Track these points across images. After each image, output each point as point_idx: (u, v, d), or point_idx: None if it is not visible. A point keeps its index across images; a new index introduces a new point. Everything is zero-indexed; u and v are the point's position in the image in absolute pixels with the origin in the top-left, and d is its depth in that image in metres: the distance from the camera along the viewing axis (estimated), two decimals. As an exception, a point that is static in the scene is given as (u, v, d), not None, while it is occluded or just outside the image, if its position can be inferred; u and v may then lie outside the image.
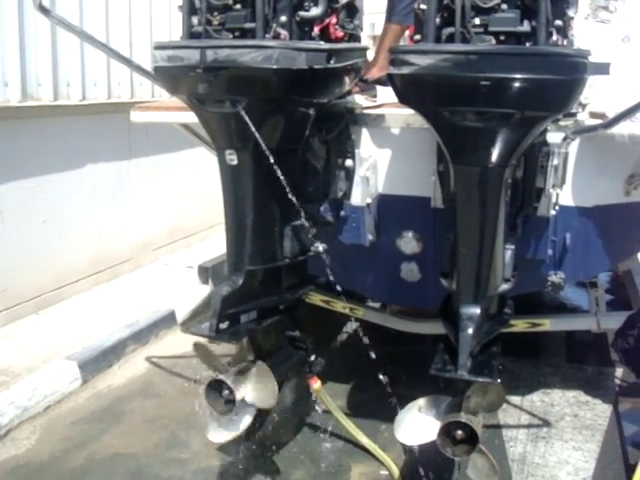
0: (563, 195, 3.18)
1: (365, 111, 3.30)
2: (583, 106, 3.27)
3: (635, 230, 3.63)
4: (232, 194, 2.85)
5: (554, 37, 2.32)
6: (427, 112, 2.53)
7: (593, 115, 3.14)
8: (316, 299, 4.22)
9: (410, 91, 2.48)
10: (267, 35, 2.56)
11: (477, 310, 2.63)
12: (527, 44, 2.34)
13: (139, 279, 5.74)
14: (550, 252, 3.23)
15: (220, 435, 3.00)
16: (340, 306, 4.25)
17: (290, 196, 2.86)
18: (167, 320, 4.99)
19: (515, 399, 4.02)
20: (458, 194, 2.61)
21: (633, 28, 4.47)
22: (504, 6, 2.32)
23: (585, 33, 4.39)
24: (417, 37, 2.47)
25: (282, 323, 3.10)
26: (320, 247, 3.14)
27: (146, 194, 5.96)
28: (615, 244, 3.52)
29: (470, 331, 2.58)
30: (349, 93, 3.27)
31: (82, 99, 5.17)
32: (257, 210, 2.81)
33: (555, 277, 3.33)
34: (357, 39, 3.01)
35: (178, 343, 4.73)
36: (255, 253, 2.85)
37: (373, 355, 2.84)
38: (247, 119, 2.54)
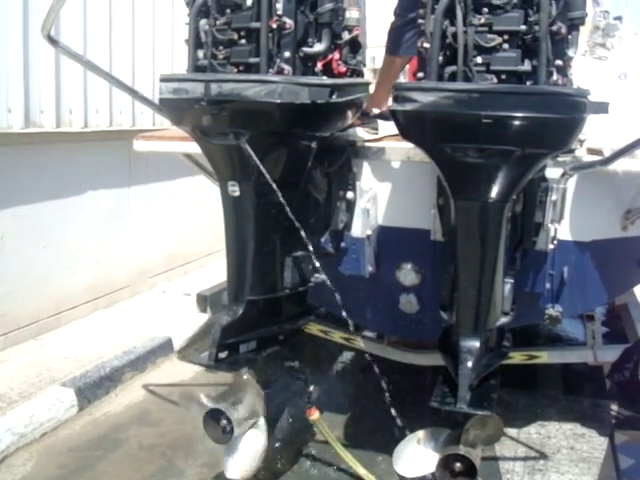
0: (561, 230, 3.22)
1: (366, 144, 3.35)
2: (581, 142, 3.33)
3: (632, 264, 3.67)
4: (234, 225, 2.89)
5: (554, 76, 2.37)
6: (429, 148, 2.58)
7: (591, 151, 3.18)
8: (314, 329, 4.24)
9: (412, 127, 2.53)
10: (271, 70, 2.62)
11: (476, 343, 2.65)
12: (528, 83, 2.39)
13: (137, 306, 5.74)
14: (548, 286, 3.26)
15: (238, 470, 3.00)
16: (338, 336, 4.27)
17: (294, 227, 2.92)
18: (164, 348, 4.98)
19: (512, 431, 4.02)
20: (459, 228, 2.65)
21: (630, 65, 4.57)
22: (505, 46, 2.38)
23: (583, 70, 4.47)
24: (420, 75, 2.53)
25: (281, 353, 3.12)
26: (321, 278, 3.19)
27: (145, 221, 5.99)
28: (612, 278, 3.56)
29: (469, 364, 2.61)
30: (351, 126, 3.32)
31: (84, 126, 5.21)
32: (258, 241, 2.85)
33: (553, 310, 3.35)
34: (360, 74, 3.06)
35: (175, 371, 4.73)
36: (256, 283, 2.89)
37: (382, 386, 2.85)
38: (250, 152, 2.59)
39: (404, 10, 3.60)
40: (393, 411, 2.86)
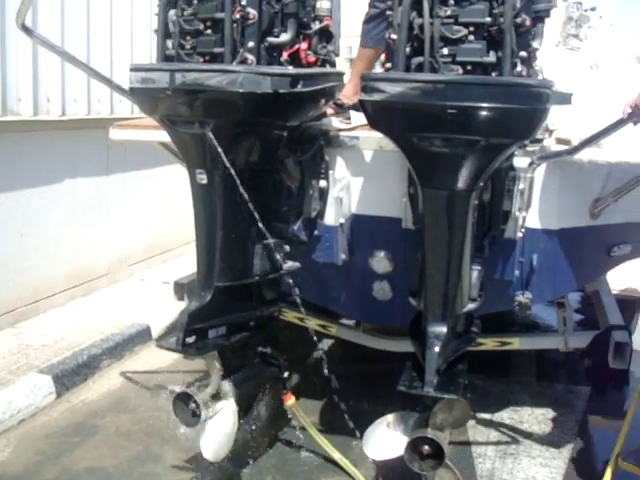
0: (530, 218, 3.27)
1: (340, 134, 3.39)
2: (550, 132, 3.39)
3: (601, 252, 3.74)
4: (202, 212, 2.94)
5: (518, 68, 2.42)
6: (396, 137, 2.63)
7: (559, 141, 3.24)
8: (290, 316, 4.28)
9: (380, 117, 2.58)
10: (235, 60, 2.64)
11: (444, 329, 2.71)
12: (493, 74, 2.44)
13: (115, 294, 5.76)
14: (517, 273, 3.32)
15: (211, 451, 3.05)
16: (314, 323, 4.31)
17: (264, 215, 2.96)
18: (142, 335, 5.02)
19: (485, 416, 4.10)
20: (426, 216, 2.71)
21: (602, 55, 4.63)
22: (471, 37, 2.42)
23: (555, 60, 4.53)
24: (388, 65, 2.57)
25: (253, 339, 3.16)
26: (292, 265, 3.24)
27: (123, 210, 6.01)
28: (581, 266, 3.62)
29: (437, 349, 2.66)
30: (324, 115, 3.36)
31: (62, 114, 5.22)
32: (226, 228, 2.89)
33: (522, 297, 3.42)
34: (331, 64, 3.09)
35: (153, 358, 4.77)
36: (224, 270, 2.93)
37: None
38: (214, 140, 2.64)
39: (378, 1, 3.64)
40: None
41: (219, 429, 3.00)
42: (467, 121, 2.36)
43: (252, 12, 2.64)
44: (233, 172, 2.68)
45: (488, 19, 2.40)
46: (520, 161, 3.00)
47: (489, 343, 4.10)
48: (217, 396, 3.00)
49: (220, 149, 2.64)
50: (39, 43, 3.36)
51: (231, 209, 2.83)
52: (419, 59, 2.46)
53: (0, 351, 4.50)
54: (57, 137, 5.20)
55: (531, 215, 3.28)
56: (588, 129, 2.99)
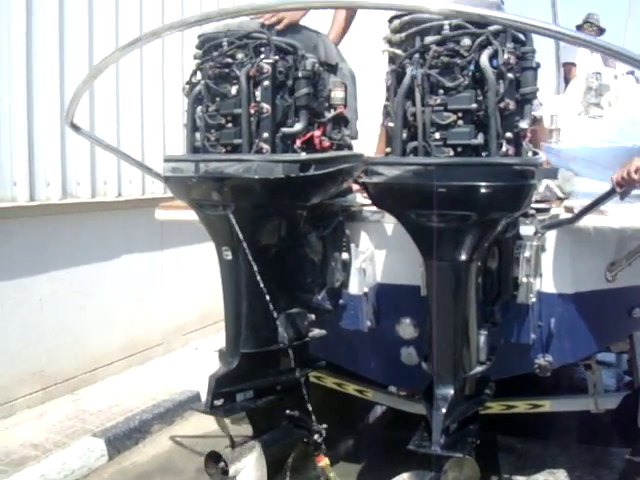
0: (545, 282, 3.43)
1: (363, 209, 3.64)
2: (560, 200, 3.57)
3: (621, 314, 3.83)
4: (228, 285, 3.22)
5: (504, 148, 2.63)
6: (397, 215, 2.88)
7: (567, 209, 3.42)
8: (328, 381, 4.48)
9: (381, 197, 2.83)
10: (252, 150, 2.95)
11: (451, 391, 2.87)
12: (483, 154, 2.66)
13: (169, 362, 6.07)
14: (534, 337, 3.45)
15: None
16: (351, 388, 4.50)
17: (288, 286, 3.23)
18: (193, 401, 5.27)
19: (521, 479, 4.16)
20: (430, 285, 2.91)
21: (624, 122, 4.77)
22: (460, 122, 2.65)
23: (578, 128, 4.72)
24: (387, 150, 2.83)
25: (281, 403, 3.38)
26: (318, 333, 3.48)
27: (178, 282, 6.36)
28: (602, 328, 3.72)
29: (444, 410, 2.82)
30: (350, 191, 3.62)
31: (118, 195, 5.64)
32: (250, 300, 3.15)
33: (542, 360, 3.53)
34: (348, 147, 3.36)
35: (202, 424, 4.97)
36: (249, 338, 3.19)
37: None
38: (233, 222, 2.94)
39: None
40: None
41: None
42: (457, 198, 2.58)
43: (266, 107, 2.94)
44: (248, 251, 2.95)
45: (474, 105, 2.62)
46: (526, 229, 3.19)
47: (521, 406, 4.20)
48: (245, 453, 3.21)
49: (238, 229, 2.93)
50: (87, 139, 3.75)
51: (254, 282, 3.08)
52: (414, 143, 2.70)
53: (58, 416, 4.81)
54: (114, 216, 5.60)
55: (546, 280, 3.44)
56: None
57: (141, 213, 5.77)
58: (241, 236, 2.94)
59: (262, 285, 3.02)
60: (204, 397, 5.28)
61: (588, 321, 3.62)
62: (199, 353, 6.35)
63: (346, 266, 3.55)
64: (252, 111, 2.93)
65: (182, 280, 6.41)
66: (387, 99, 2.82)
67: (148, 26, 5.61)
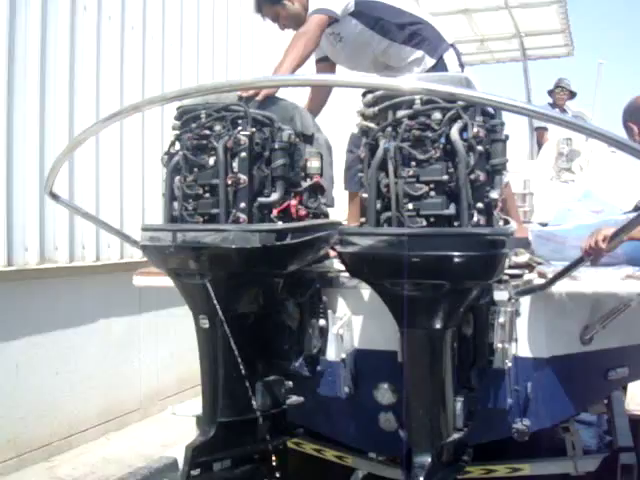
0: (520, 347, 3.46)
1: (340, 274, 3.67)
2: (532, 267, 3.63)
3: (597, 377, 3.87)
4: (205, 354, 3.23)
5: (475, 218, 2.69)
6: (372, 284, 2.92)
7: (540, 275, 3.48)
8: (307, 447, 4.44)
9: (356, 266, 2.87)
10: (229, 219, 2.99)
11: (428, 459, 2.87)
12: (455, 223, 2.72)
13: (146, 428, 5.99)
14: (510, 401, 3.46)
15: None
16: (331, 454, 4.46)
17: (265, 353, 3.23)
18: (170, 468, 5.18)
19: None
20: (405, 353, 2.93)
21: (593, 186, 4.91)
22: (432, 193, 2.71)
23: (550, 193, 4.84)
24: (362, 220, 2.88)
25: (259, 471, 3.35)
26: (296, 400, 3.47)
27: (155, 346, 6.33)
28: (578, 391, 3.74)
29: (421, 478, 2.81)
30: (327, 257, 3.66)
31: (96, 260, 5.65)
32: (227, 368, 3.15)
33: (520, 425, 3.53)
34: (325, 215, 3.41)
35: (178, 491, 4.93)
36: (226, 407, 3.17)
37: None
38: (211, 291, 2.97)
39: (354, 147, 4.03)
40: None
41: None
42: (431, 268, 2.62)
43: (243, 177, 3.00)
44: (224, 321, 2.97)
45: (446, 177, 2.69)
46: (500, 295, 3.23)
47: (501, 470, 4.18)
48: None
49: (215, 299, 2.94)
50: (66, 207, 3.78)
51: (231, 350, 3.09)
52: (388, 214, 2.75)
53: (33, 485, 4.74)
54: (92, 281, 5.60)
55: (521, 345, 3.47)
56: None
57: (119, 277, 5.75)
58: (218, 306, 2.96)
59: (237, 354, 3.02)
60: (181, 465, 5.29)
61: (564, 384, 3.65)
62: (177, 418, 6.26)
63: (323, 332, 3.56)
64: (229, 182, 2.99)
65: (160, 345, 6.38)
66: (361, 170, 2.88)
67: (129, 99, 5.73)
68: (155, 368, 6.33)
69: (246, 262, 2.95)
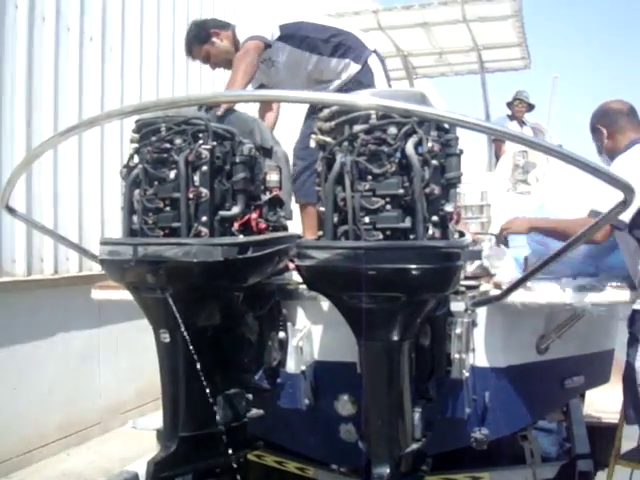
0: (477, 357, 3.51)
1: (299, 286, 3.69)
2: (490, 277, 3.69)
3: (554, 385, 3.94)
4: (166, 368, 3.21)
5: (430, 231, 2.72)
6: (329, 296, 2.94)
7: (496, 285, 3.53)
8: (269, 460, 4.44)
9: (313, 279, 2.88)
10: (190, 233, 2.98)
11: (387, 469, 2.89)
12: (411, 236, 2.75)
13: (107, 442, 5.94)
14: (469, 411, 3.50)
15: None
16: (292, 466, 4.47)
17: (225, 367, 3.23)
18: (131, 483, 5.16)
19: None
20: (363, 364, 2.96)
21: (548, 198, 4.99)
22: (388, 207, 2.72)
23: (507, 204, 4.91)
24: (320, 233, 2.90)
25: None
26: (256, 413, 3.47)
27: (115, 359, 6.28)
28: (535, 400, 3.81)
29: (381, 490, 2.84)
30: (286, 269, 3.67)
31: (54, 273, 5.59)
32: (188, 382, 3.13)
33: (478, 434, 3.57)
34: (284, 228, 3.43)
35: (140, 506, 4.90)
36: (187, 421, 3.15)
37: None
38: (172, 305, 2.95)
39: (298, 159, 4.18)
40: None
41: None
42: (387, 280, 2.65)
43: (204, 191, 2.99)
44: (185, 333, 2.97)
45: (401, 190, 2.71)
46: (456, 306, 3.28)
47: (461, 479, 4.23)
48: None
49: (177, 313, 2.94)
50: (23, 221, 3.74)
51: (191, 364, 3.08)
52: (345, 227, 2.77)
53: (-10, 503, 4.66)
54: (50, 294, 5.55)
55: (478, 354, 3.52)
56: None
57: (78, 290, 5.70)
58: (179, 319, 2.95)
59: (199, 367, 3.02)
60: (142, 479, 5.24)
61: (522, 393, 3.71)
62: (137, 432, 6.21)
63: (283, 345, 3.57)
64: (191, 195, 2.98)
65: (120, 358, 6.34)
66: (318, 184, 2.90)
67: (88, 111, 5.70)
68: (115, 381, 6.28)
69: (208, 276, 2.94)
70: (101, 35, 6.26)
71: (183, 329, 2.99)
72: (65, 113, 5.71)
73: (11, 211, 3.49)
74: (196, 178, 3.01)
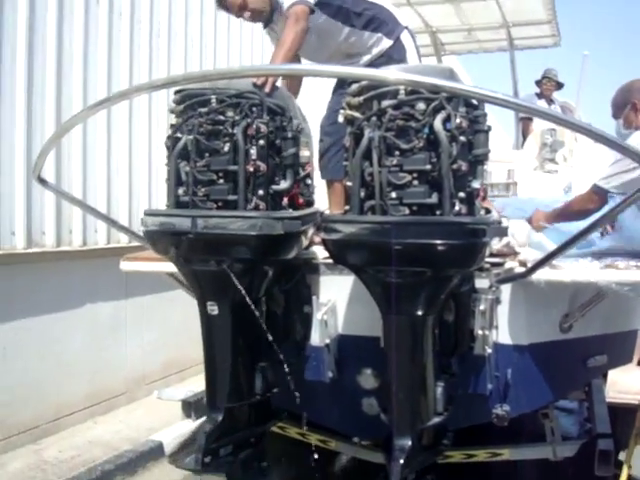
0: (500, 334, 3.52)
1: (323, 261, 3.72)
2: (516, 254, 3.69)
3: (577, 364, 3.94)
4: (211, 340, 3.26)
5: (457, 207, 2.74)
6: (355, 270, 2.97)
7: (521, 263, 3.54)
8: (292, 432, 4.50)
9: (339, 253, 2.92)
10: (248, 206, 3.01)
11: (408, 442, 2.93)
12: (437, 212, 2.77)
13: (132, 412, 6.05)
14: (490, 387, 3.52)
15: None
16: (314, 438, 4.52)
17: (260, 339, 3.29)
18: (155, 452, 5.26)
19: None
20: (387, 338, 2.99)
21: (575, 178, 4.97)
22: (415, 182, 2.75)
23: (534, 183, 4.89)
24: (346, 207, 2.93)
25: (257, 454, 3.43)
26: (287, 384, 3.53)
27: (141, 331, 6.37)
28: (558, 378, 3.81)
29: (401, 461, 2.88)
30: (311, 244, 3.71)
31: (83, 244, 5.68)
32: (233, 354, 3.21)
33: (500, 410, 3.59)
34: (313, 204, 3.47)
35: (163, 475, 5.00)
36: (232, 392, 3.23)
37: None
38: (233, 277, 2.99)
39: (324, 135, 4.17)
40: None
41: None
42: (413, 255, 2.68)
43: (262, 165, 3.03)
44: (252, 305, 3.07)
45: (428, 166, 2.73)
46: (481, 283, 3.29)
47: (481, 454, 4.26)
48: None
49: (239, 285, 3.00)
50: (54, 192, 3.79)
51: (237, 336, 3.18)
52: (371, 202, 2.80)
53: (19, 466, 4.79)
54: (78, 265, 5.63)
55: (501, 332, 3.53)
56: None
57: (106, 262, 5.78)
58: (243, 291, 3.01)
59: (243, 341, 3.12)
60: (167, 448, 5.35)
61: (544, 371, 3.71)
62: (162, 403, 6.32)
63: (308, 318, 3.61)
64: (251, 169, 3.00)
65: (146, 329, 6.43)
66: (346, 159, 2.92)
67: (117, 86, 5.74)
68: (141, 352, 6.37)
69: (265, 249, 3.00)
70: (130, 9, 6.28)
71: (248, 300, 3.04)
72: (94, 87, 5.76)
73: (43, 182, 3.54)
74: (252, 152, 3.03)
